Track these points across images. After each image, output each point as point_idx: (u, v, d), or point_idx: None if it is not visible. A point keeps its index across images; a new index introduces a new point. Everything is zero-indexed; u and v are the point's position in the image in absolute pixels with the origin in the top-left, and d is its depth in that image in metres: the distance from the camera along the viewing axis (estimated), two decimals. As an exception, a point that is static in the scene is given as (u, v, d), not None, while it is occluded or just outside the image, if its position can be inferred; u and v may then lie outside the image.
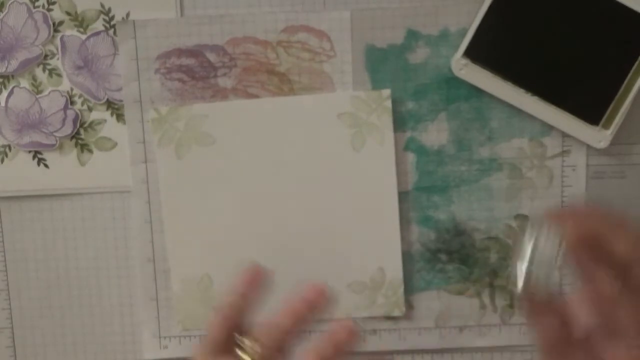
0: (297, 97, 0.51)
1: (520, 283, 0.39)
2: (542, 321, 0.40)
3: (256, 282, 0.45)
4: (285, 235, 0.53)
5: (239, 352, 0.45)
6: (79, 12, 0.51)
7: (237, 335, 0.46)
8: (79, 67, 0.51)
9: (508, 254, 0.53)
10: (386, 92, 0.51)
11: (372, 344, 0.54)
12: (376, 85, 0.51)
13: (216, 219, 0.53)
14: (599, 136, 0.51)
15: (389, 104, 0.51)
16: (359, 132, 0.51)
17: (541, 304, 0.39)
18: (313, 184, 0.52)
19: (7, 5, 0.50)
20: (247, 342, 0.46)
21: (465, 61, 0.50)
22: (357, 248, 0.53)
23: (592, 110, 0.50)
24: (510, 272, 0.44)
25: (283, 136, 0.52)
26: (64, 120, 0.52)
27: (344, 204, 0.52)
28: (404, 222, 0.52)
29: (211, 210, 0.53)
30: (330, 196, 0.52)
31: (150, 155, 0.52)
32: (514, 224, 0.53)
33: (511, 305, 0.54)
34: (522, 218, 0.53)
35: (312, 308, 0.46)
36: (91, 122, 0.52)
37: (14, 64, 0.51)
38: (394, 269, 0.53)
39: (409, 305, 0.54)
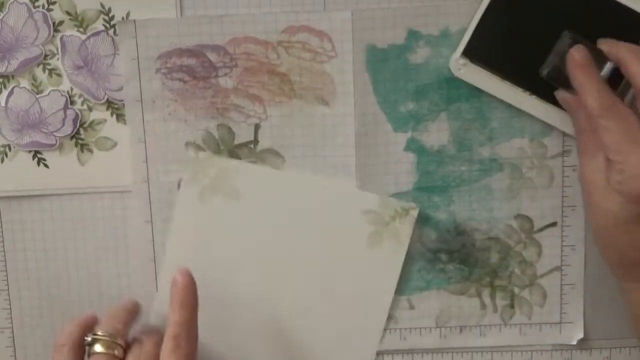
0: (327, 181, 0.52)
1: (544, 70, 0.49)
2: (571, 110, 0.48)
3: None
4: (285, 306, 0.53)
5: (97, 347, 0.46)
6: (79, 12, 0.51)
7: (87, 336, 0.47)
8: (79, 67, 0.51)
9: (508, 253, 0.53)
10: (414, 209, 0.52)
11: (372, 344, 0.55)
12: (377, 85, 0.51)
13: (218, 272, 0.53)
14: (599, 136, 0.51)
15: (414, 213, 0.52)
16: (378, 232, 0.52)
17: (567, 97, 0.48)
18: (321, 265, 0.53)
19: (7, 5, 0.50)
20: (99, 332, 0.47)
21: (464, 61, 0.50)
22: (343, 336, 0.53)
23: (592, 110, 0.50)
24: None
25: (305, 213, 0.52)
26: (64, 120, 0.52)
27: (343, 292, 0.53)
28: (404, 222, 0.53)
29: (217, 262, 0.53)
30: (332, 281, 0.53)
31: (150, 154, 0.52)
32: (514, 224, 0.53)
33: (512, 305, 0.54)
34: (522, 218, 0.53)
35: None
36: (91, 122, 0.52)
37: (14, 64, 0.51)
38: None
39: (410, 305, 0.54)
